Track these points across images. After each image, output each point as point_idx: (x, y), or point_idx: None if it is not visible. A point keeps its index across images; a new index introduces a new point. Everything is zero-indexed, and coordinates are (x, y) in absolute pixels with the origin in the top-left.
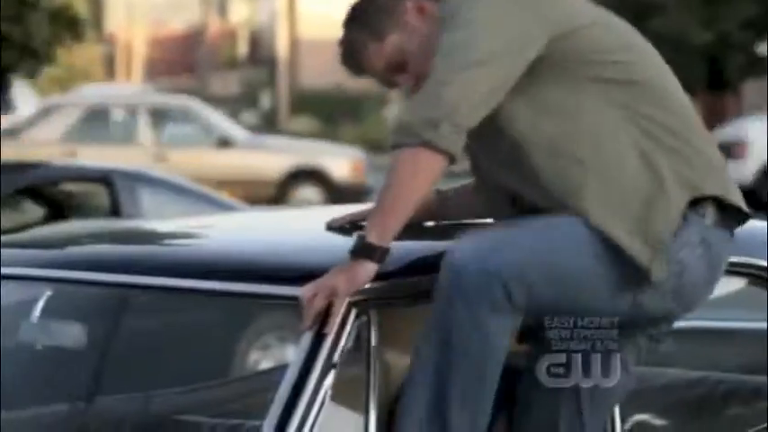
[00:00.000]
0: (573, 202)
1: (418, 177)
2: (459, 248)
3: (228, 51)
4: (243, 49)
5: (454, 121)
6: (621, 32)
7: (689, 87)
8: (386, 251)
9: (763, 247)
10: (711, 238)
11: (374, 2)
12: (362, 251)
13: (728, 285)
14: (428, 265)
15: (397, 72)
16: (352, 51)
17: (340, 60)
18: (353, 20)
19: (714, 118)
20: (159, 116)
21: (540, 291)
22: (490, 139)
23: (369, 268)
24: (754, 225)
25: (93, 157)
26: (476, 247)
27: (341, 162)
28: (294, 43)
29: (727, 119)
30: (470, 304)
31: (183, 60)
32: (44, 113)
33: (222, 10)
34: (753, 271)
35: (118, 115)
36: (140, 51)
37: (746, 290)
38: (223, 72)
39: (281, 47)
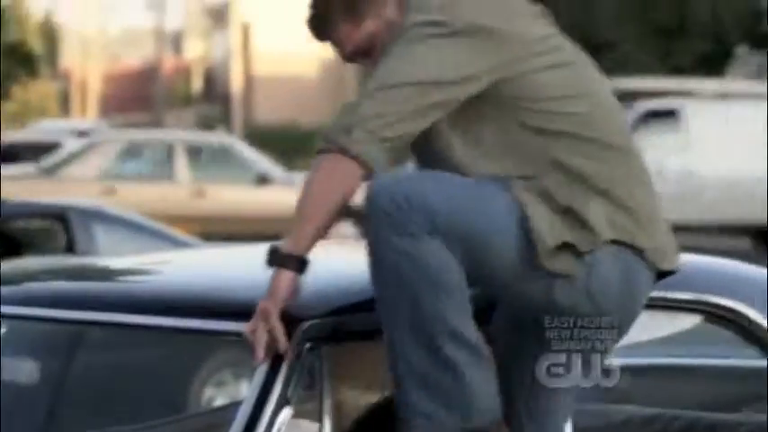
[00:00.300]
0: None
1: (331, 183)
2: (378, 179)
3: (183, 87)
4: (197, 85)
5: (367, 128)
6: (583, 78)
7: None
8: (302, 260)
9: (717, 285)
10: (628, 258)
11: None
12: (274, 260)
13: (684, 323)
14: None
15: (361, 56)
16: (323, 23)
17: (306, 22)
18: None
19: None
20: (197, 153)
21: (449, 239)
22: (435, 165)
23: (285, 277)
24: (708, 262)
25: (131, 194)
26: (392, 177)
27: None
28: (248, 80)
29: None
30: (390, 230)
31: (137, 96)
32: (81, 151)
33: (177, 46)
34: (708, 308)
35: (156, 153)
36: (95, 87)
37: (702, 327)
38: (178, 108)
39: (236, 83)
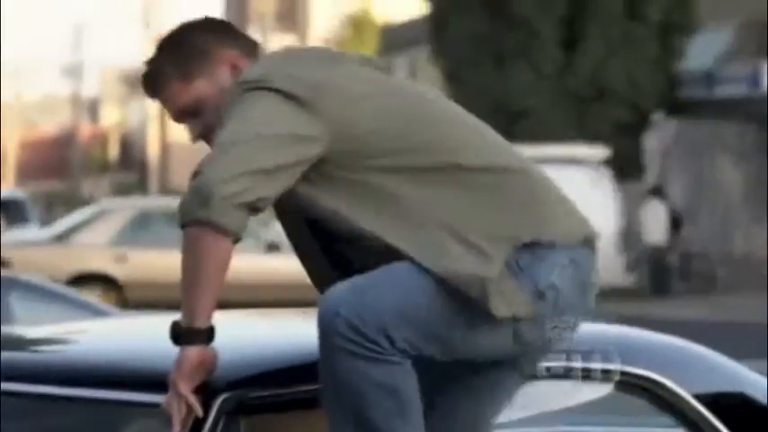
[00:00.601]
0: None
1: (204, 256)
2: (327, 299)
3: (100, 154)
4: (114, 151)
5: (222, 195)
6: (423, 108)
7: None
8: (202, 331)
9: (631, 354)
10: (578, 257)
11: (193, 41)
12: (175, 337)
13: (597, 391)
14: (298, 374)
15: (190, 116)
16: (155, 80)
17: (141, 78)
18: (167, 50)
19: None
20: None
21: (412, 335)
22: (323, 225)
23: (191, 352)
24: (621, 332)
25: (142, 261)
26: (342, 295)
27: None
28: (165, 146)
29: None
30: (347, 352)
31: (54, 163)
32: (92, 218)
33: (93, 113)
34: (621, 377)
35: (165, 220)
36: (12, 154)
37: (616, 395)
38: (95, 175)
39: (152, 149)
